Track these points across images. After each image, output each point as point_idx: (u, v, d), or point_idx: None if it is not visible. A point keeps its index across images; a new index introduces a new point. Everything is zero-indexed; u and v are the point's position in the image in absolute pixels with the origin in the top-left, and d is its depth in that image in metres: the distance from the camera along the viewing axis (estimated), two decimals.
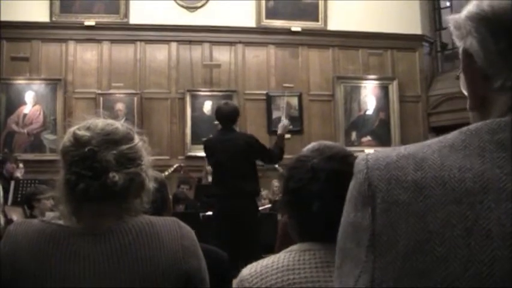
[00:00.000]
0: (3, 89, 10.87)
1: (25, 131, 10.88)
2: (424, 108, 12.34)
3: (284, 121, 7.19)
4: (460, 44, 1.00)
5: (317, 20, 12.08)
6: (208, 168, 9.90)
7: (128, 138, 1.69)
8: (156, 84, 11.47)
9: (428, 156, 0.88)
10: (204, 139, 7.48)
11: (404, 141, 11.60)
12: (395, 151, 0.92)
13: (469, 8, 0.98)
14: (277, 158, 6.61)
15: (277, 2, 11.94)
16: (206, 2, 11.79)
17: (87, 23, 11.28)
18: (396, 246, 0.84)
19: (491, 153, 0.86)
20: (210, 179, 9.60)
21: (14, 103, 10.93)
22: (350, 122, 11.96)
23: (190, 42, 11.64)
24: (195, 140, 11.10)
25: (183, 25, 11.53)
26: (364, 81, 12.19)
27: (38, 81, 11.11)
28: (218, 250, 2.96)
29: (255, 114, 11.54)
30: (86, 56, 11.39)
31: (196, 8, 11.78)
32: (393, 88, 12.16)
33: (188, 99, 11.41)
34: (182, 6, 11.75)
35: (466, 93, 1.02)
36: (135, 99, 11.28)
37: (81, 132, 1.66)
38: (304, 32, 11.93)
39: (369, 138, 11.94)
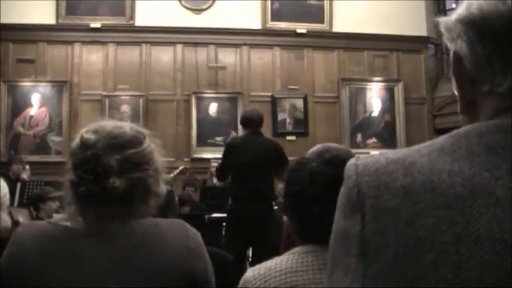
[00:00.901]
0: (9, 91, 10.90)
1: (31, 133, 10.90)
2: (430, 110, 12.32)
3: None
4: (450, 47, 0.99)
5: (322, 22, 12.07)
6: (213, 170, 9.93)
7: (135, 142, 1.68)
8: (161, 86, 11.48)
9: (417, 160, 0.87)
10: (228, 139, 7.54)
11: (409, 143, 11.57)
12: (383, 156, 0.91)
13: (459, 11, 0.97)
14: (280, 169, 6.64)
15: (282, 4, 11.94)
16: (211, 4, 11.80)
17: (92, 25, 11.30)
18: (386, 253, 0.83)
19: (479, 156, 0.85)
20: (214, 180, 9.62)
21: (20, 105, 10.95)
22: (355, 124, 11.94)
23: (195, 44, 11.65)
24: (201, 142, 11.12)
25: (188, 27, 11.54)
26: (370, 83, 12.17)
27: (44, 83, 11.13)
28: (223, 252, 2.97)
29: None
30: (91, 58, 11.41)
31: (202, 10, 11.79)
32: (398, 90, 12.14)
33: (193, 101, 11.41)
34: (188, 8, 11.76)
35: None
36: (141, 101, 11.30)
37: (88, 135, 1.66)
38: (309, 34, 11.92)
39: (374, 140, 11.92)
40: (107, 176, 1.59)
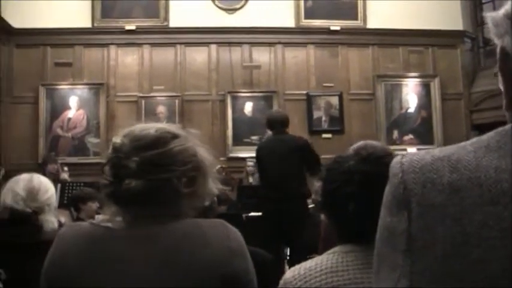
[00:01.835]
0: (48, 94, 11.07)
1: (69, 135, 11.06)
2: (467, 106, 12.15)
3: None
4: (497, 42, 0.98)
5: (356, 19, 12.01)
6: (249, 169, 9.96)
7: (160, 142, 1.68)
8: (196, 86, 11.54)
9: (463, 157, 0.87)
10: (258, 144, 7.62)
11: (446, 139, 11.46)
12: (429, 153, 0.91)
13: (507, 6, 0.96)
14: (315, 168, 6.62)
15: (315, 1, 11.91)
16: (245, 4, 11.82)
17: (127, 27, 11.42)
18: (433, 249, 0.83)
19: None
20: (250, 179, 9.65)
21: (58, 108, 11.12)
22: (391, 121, 11.85)
23: (229, 44, 11.68)
24: (236, 141, 11.15)
25: (222, 27, 11.58)
26: (405, 79, 12.07)
27: (81, 86, 11.29)
28: (263, 252, 2.97)
29: (295, 114, 11.49)
30: (127, 60, 11.52)
31: (235, 9, 11.82)
32: (435, 85, 12.01)
33: (229, 100, 11.45)
34: (221, 8, 11.80)
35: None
36: (176, 101, 11.37)
37: (116, 139, 1.69)
38: (343, 31, 11.86)
39: (410, 136, 11.81)
40: (125, 178, 1.61)
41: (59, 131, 11.03)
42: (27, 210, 2.91)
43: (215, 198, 2.84)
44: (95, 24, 11.45)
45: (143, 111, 11.10)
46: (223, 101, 11.47)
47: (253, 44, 11.75)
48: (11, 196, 2.95)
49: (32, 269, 1.71)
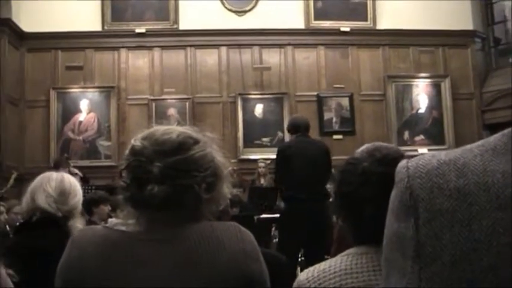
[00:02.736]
0: (59, 97, 11.13)
1: (81, 138, 11.10)
2: (478, 105, 12.11)
3: None
4: None
5: (366, 20, 12.00)
6: (261, 170, 9.97)
7: (183, 148, 1.67)
8: (207, 88, 11.56)
9: (470, 161, 0.85)
10: (282, 144, 7.72)
11: (458, 139, 11.42)
12: (435, 157, 0.89)
13: None
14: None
15: (325, 2, 11.91)
16: (254, 5, 11.83)
17: (138, 30, 11.46)
18: (442, 256, 0.82)
19: None
20: (262, 181, 9.65)
21: (69, 111, 11.17)
22: (402, 122, 11.82)
23: (239, 45, 11.70)
24: (247, 143, 11.17)
25: (232, 29, 11.59)
26: (416, 80, 12.05)
27: (92, 89, 11.34)
28: (277, 253, 2.97)
29: (307, 115, 11.35)
30: (137, 63, 11.56)
31: (245, 11, 11.83)
32: (446, 86, 11.98)
33: (239, 102, 11.47)
34: (231, 10, 11.82)
35: None
36: (187, 104, 11.39)
37: (136, 142, 1.68)
38: (354, 32, 11.86)
39: (422, 137, 11.79)
40: (148, 183, 1.60)
41: (70, 134, 11.08)
42: (58, 215, 2.87)
43: (228, 201, 2.84)
44: (105, 28, 11.50)
45: (154, 114, 11.13)
46: (234, 103, 11.49)
47: (263, 45, 11.76)
48: (44, 196, 2.87)
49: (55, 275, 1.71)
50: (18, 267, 2.20)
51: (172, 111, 11.29)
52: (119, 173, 1.70)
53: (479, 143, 0.89)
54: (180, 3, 11.61)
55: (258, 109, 11.43)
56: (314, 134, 10.82)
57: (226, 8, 11.80)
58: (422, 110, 11.96)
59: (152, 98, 11.37)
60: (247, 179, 10.27)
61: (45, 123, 11.06)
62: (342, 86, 11.75)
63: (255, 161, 10.43)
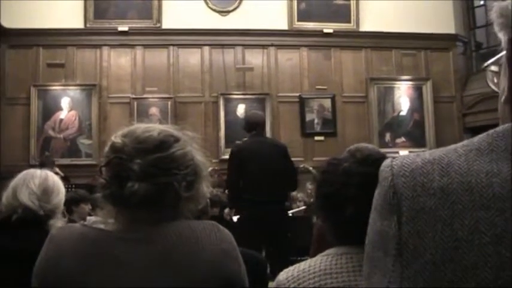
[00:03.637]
0: (40, 95, 11.04)
1: (61, 136, 11.02)
2: (459, 109, 12.20)
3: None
4: (501, 33, 0.96)
5: (349, 22, 12.04)
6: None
7: (163, 146, 1.67)
8: (189, 88, 11.53)
9: (454, 161, 0.86)
10: (235, 145, 7.33)
11: (439, 142, 11.49)
12: (419, 156, 0.89)
13: None
14: (295, 182, 6.62)
15: (309, 4, 11.93)
16: (238, 6, 11.82)
17: (120, 28, 11.40)
18: (424, 254, 0.82)
19: None
20: None
21: (50, 109, 11.08)
22: (384, 124, 11.88)
23: (222, 45, 11.69)
24: (229, 143, 11.11)
25: (215, 29, 11.58)
26: (398, 82, 12.10)
27: (74, 87, 11.26)
28: (255, 253, 2.96)
29: (288, 117, 11.53)
30: (119, 62, 11.50)
31: (228, 11, 11.82)
32: (427, 89, 12.05)
33: (221, 102, 11.45)
34: (214, 10, 11.80)
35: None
36: (169, 103, 11.36)
37: (116, 140, 1.67)
38: (337, 34, 11.89)
39: (403, 139, 11.85)
40: (128, 180, 1.59)
41: (51, 132, 10.99)
42: (40, 213, 2.81)
43: (208, 201, 2.82)
44: (88, 25, 11.43)
45: (136, 113, 11.08)
46: (216, 103, 11.47)
47: (246, 46, 11.76)
48: (27, 193, 2.80)
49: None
50: None
51: (154, 110, 11.25)
52: (99, 170, 1.69)
53: (464, 142, 0.90)
54: (164, 2, 11.58)
55: (240, 109, 11.42)
56: (296, 135, 10.91)
57: (209, 7, 11.78)
58: (404, 113, 12.02)
59: (134, 96, 11.32)
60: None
61: (26, 121, 10.95)
62: (325, 87, 11.77)
63: None
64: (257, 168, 6.19)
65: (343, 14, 12.00)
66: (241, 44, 11.73)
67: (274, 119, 11.39)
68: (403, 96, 12.04)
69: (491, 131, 0.88)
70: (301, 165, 9.48)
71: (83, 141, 11.07)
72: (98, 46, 11.43)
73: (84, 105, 11.19)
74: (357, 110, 11.89)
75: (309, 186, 9.72)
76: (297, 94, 11.70)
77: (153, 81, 11.42)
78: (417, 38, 12.01)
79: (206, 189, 1.77)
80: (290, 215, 7.57)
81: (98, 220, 1.71)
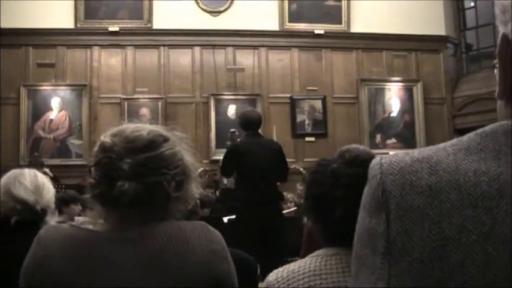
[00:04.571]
0: (29, 95, 11.00)
1: (51, 136, 10.99)
2: (449, 110, 12.26)
3: None
4: (501, 30, 0.96)
5: (340, 23, 12.06)
6: None
7: (153, 146, 1.66)
8: (180, 88, 11.53)
9: (443, 159, 0.86)
10: (231, 144, 7.41)
11: (429, 143, 11.48)
12: (408, 155, 0.89)
13: None
14: (285, 177, 6.64)
15: (299, 5, 11.95)
16: (229, 6, 11.83)
17: (111, 28, 11.38)
18: (411, 252, 0.82)
19: (506, 156, 0.83)
20: (225, 181, 9.59)
21: (40, 109, 11.05)
22: (375, 125, 11.92)
23: (213, 46, 11.69)
24: (220, 144, 11.13)
25: (206, 29, 11.57)
26: (389, 84, 12.15)
27: (64, 87, 11.23)
28: (245, 254, 2.95)
29: (279, 117, 11.54)
30: (110, 62, 11.48)
31: (219, 12, 11.82)
32: (418, 90, 12.10)
33: (212, 103, 11.45)
34: (205, 10, 11.80)
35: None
36: (160, 103, 11.35)
37: (106, 139, 1.66)
38: (328, 35, 11.91)
39: (393, 140, 11.88)
40: (118, 180, 1.59)
41: (41, 133, 10.95)
42: (37, 207, 2.73)
43: (198, 202, 2.82)
44: (78, 25, 11.40)
45: (126, 113, 11.06)
46: (206, 104, 11.47)
47: (237, 46, 11.77)
48: (22, 188, 2.75)
49: None
50: None
51: (144, 110, 11.24)
52: (88, 170, 1.68)
53: (453, 141, 0.90)
54: (154, 2, 11.57)
55: (231, 110, 11.43)
56: (286, 135, 10.90)
57: (200, 8, 11.77)
58: (394, 114, 12.06)
59: (124, 97, 11.30)
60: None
61: (15, 121, 10.90)
62: (315, 88, 11.80)
63: None
64: (252, 168, 6.20)
65: (334, 15, 12.03)
66: (232, 44, 11.74)
67: (265, 120, 11.39)
68: (393, 97, 12.08)
69: (480, 130, 0.89)
70: (292, 166, 9.49)
71: (73, 142, 11.04)
72: (89, 46, 11.41)
73: (74, 106, 11.16)
74: (348, 111, 11.92)
75: (299, 187, 9.74)
76: (288, 95, 11.72)
77: (144, 81, 11.40)
78: (408, 40, 12.06)
79: (195, 189, 1.77)
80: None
81: (87, 221, 1.70)
